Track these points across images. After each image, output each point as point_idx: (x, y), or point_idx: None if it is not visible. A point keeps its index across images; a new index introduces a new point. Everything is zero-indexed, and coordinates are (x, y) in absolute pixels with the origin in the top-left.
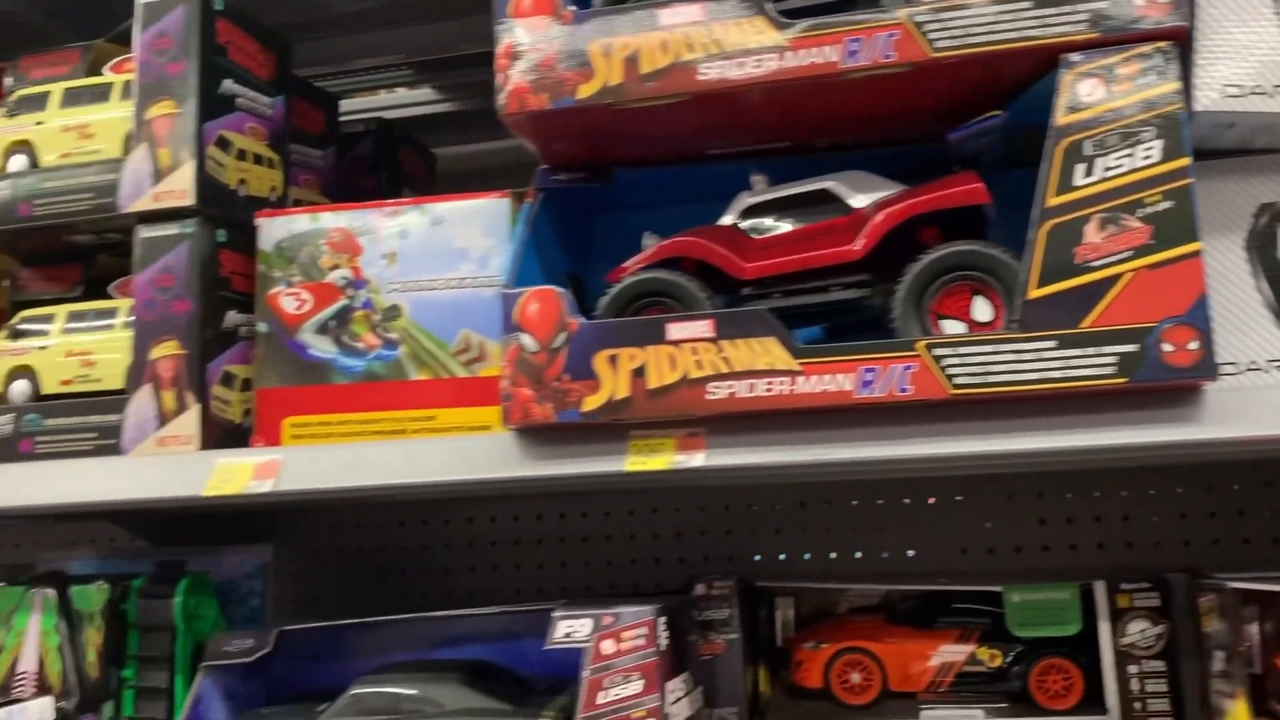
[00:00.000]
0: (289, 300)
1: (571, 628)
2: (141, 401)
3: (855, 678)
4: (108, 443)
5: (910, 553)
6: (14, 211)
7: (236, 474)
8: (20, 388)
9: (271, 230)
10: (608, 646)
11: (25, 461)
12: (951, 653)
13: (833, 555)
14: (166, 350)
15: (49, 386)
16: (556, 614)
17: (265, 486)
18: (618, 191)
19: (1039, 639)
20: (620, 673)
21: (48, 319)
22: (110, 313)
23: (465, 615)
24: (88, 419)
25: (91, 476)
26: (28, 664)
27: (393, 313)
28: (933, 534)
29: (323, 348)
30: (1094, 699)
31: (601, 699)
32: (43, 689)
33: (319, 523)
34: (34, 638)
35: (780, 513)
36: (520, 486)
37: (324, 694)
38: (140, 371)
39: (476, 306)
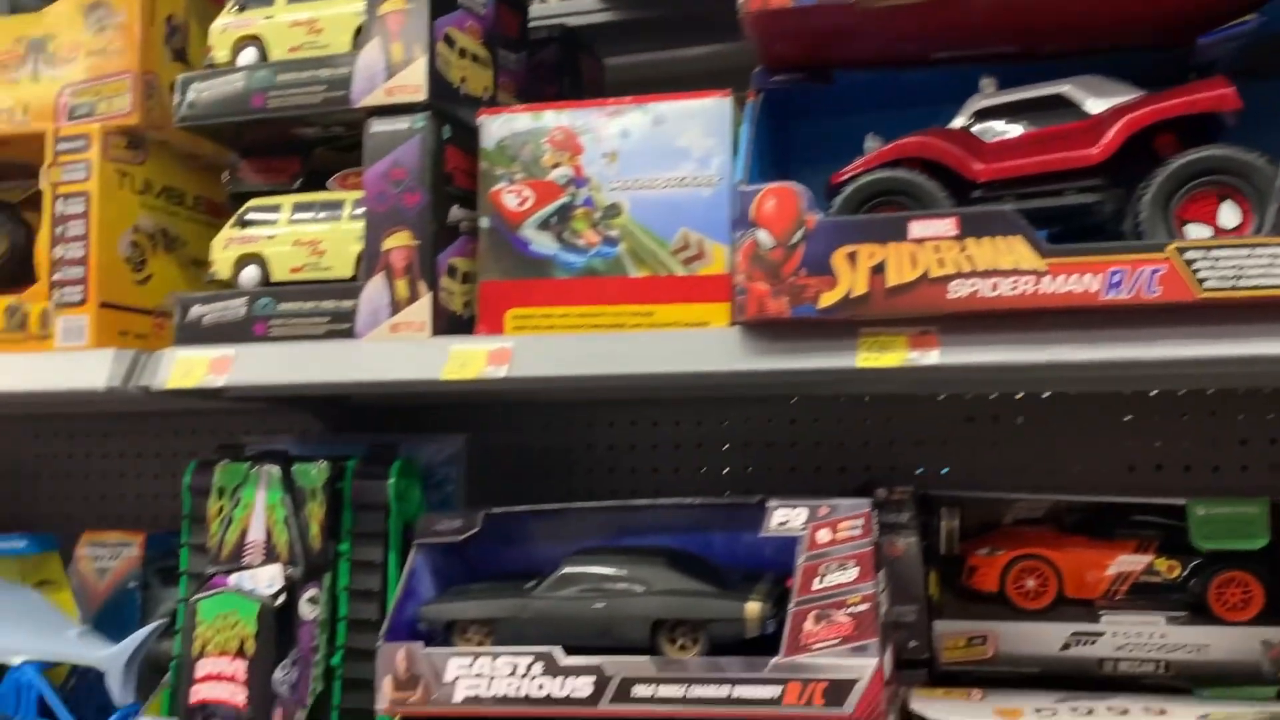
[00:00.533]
0: (511, 197)
1: (786, 517)
2: (374, 289)
3: (1030, 583)
4: (340, 327)
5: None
6: (248, 103)
7: (471, 360)
8: (250, 274)
9: (493, 128)
10: (823, 536)
11: (259, 343)
12: (1129, 562)
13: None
14: (399, 241)
15: (278, 273)
16: (771, 504)
17: (499, 372)
18: (833, 95)
19: (1217, 552)
20: (836, 560)
21: (275, 209)
22: (337, 205)
23: (658, 505)
24: (321, 304)
25: (330, 358)
26: (256, 534)
27: (613, 210)
28: (1099, 451)
29: (544, 244)
30: (1272, 611)
31: (817, 584)
32: (271, 557)
33: (483, 421)
34: (261, 510)
35: (946, 426)
36: (746, 381)
37: (522, 575)
38: (373, 261)
39: (696, 205)
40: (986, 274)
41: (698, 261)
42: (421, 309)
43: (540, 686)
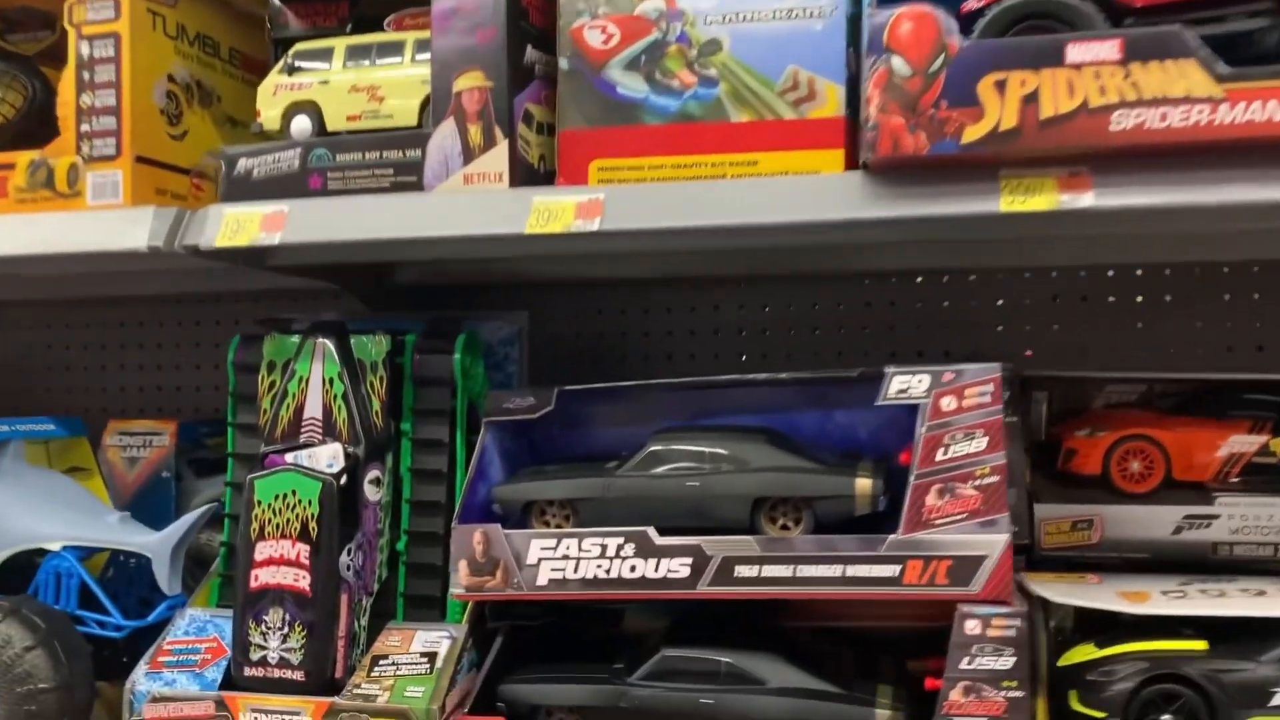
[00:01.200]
0: (594, 34)
1: (907, 384)
2: (444, 136)
3: (1136, 466)
4: (406, 180)
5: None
6: None
7: (558, 213)
8: (301, 124)
9: None
10: (948, 403)
11: (316, 198)
12: (1242, 443)
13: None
14: (471, 81)
15: (333, 123)
16: (890, 370)
17: (590, 226)
18: None
19: None
20: (962, 429)
21: (326, 53)
22: (396, 46)
23: (746, 382)
24: (384, 154)
25: (398, 212)
26: (313, 410)
27: (711, 47)
28: (1195, 332)
29: (633, 86)
30: None
31: (941, 455)
32: (330, 435)
33: (535, 304)
34: (318, 385)
35: (1031, 306)
36: (870, 231)
37: (598, 456)
38: (442, 105)
39: (806, 40)
40: (1154, 103)
41: (808, 103)
42: (498, 157)
43: (632, 568)
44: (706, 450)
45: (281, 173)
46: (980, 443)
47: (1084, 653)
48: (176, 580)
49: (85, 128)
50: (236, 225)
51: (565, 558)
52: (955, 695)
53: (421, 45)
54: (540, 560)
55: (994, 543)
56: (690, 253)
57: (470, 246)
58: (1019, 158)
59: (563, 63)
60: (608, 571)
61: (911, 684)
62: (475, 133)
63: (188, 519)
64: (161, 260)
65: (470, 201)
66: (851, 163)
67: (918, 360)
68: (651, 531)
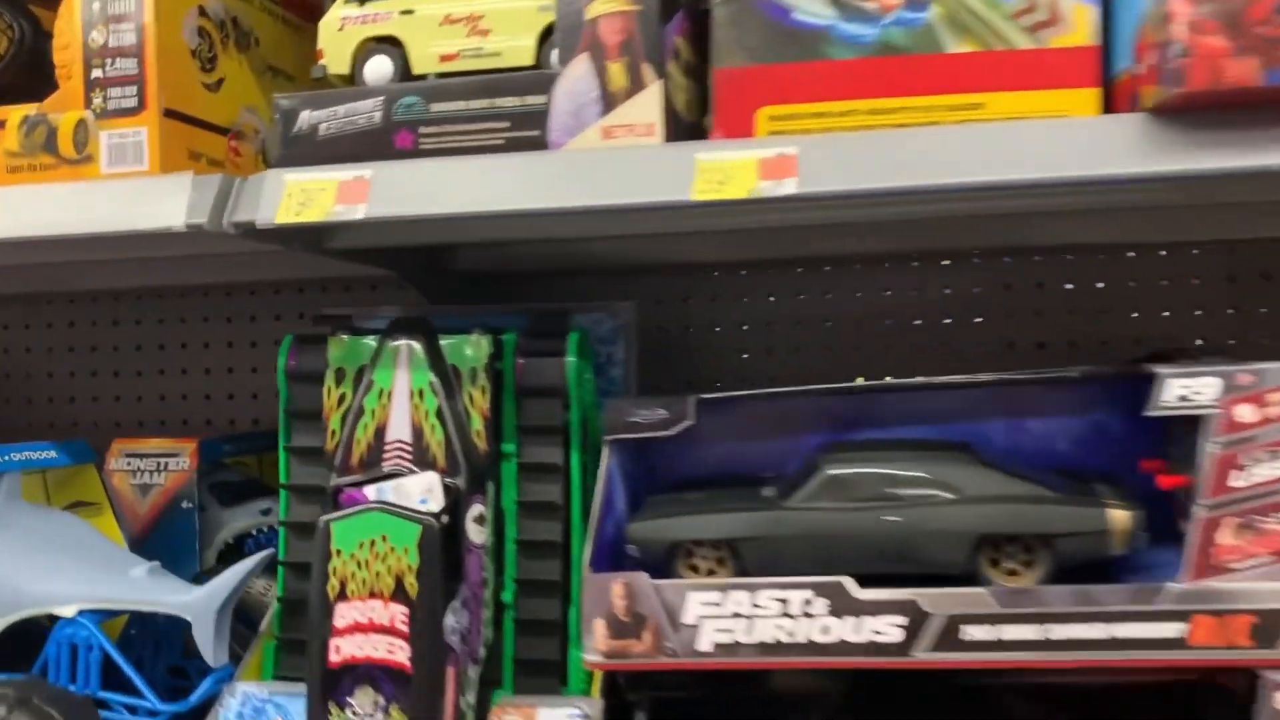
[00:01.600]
0: None
1: (1189, 388)
2: (576, 78)
3: None
4: (526, 134)
5: None
6: None
7: (734, 174)
8: (379, 66)
9: None
10: (1245, 413)
11: (407, 160)
12: None
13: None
14: (611, 5)
15: (422, 64)
16: (1164, 370)
17: (781, 188)
18: None
19: None
20: (1265, 448)
21: None
22: None
23: (916, 386)
24: (496, 103)
25: (520, 177)
26: (399, 431)
27: None
28: None
29: (814, 10)
30: None
31: (1237, 481)
32: (423, 462)
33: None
34: (404, 399)
35: (1195, 288)
36: (1139, 193)
37: (738, 478)
38: (572, 37)
39: None
40: None
41: (1049, 29)
42: (648, 103)
43: (825, 630)
44: (901, 473)
45: (358, 128)
46: None
47: None
48: (223, 648)
49: (97, 73)
50: (304, 197)
51: (735, 616)
52: None
53: None
54: (701, 619)
55: None
56: (800, 228)
57: (614, 220)
58: None
59: None
60: (791, 634)
61: None
62: (617, 72)
63: (236, 572)
64: (188, 243)
65: (617, 161)
66: (1106, 105)
67: (1067, 351)
68: (848, 582)
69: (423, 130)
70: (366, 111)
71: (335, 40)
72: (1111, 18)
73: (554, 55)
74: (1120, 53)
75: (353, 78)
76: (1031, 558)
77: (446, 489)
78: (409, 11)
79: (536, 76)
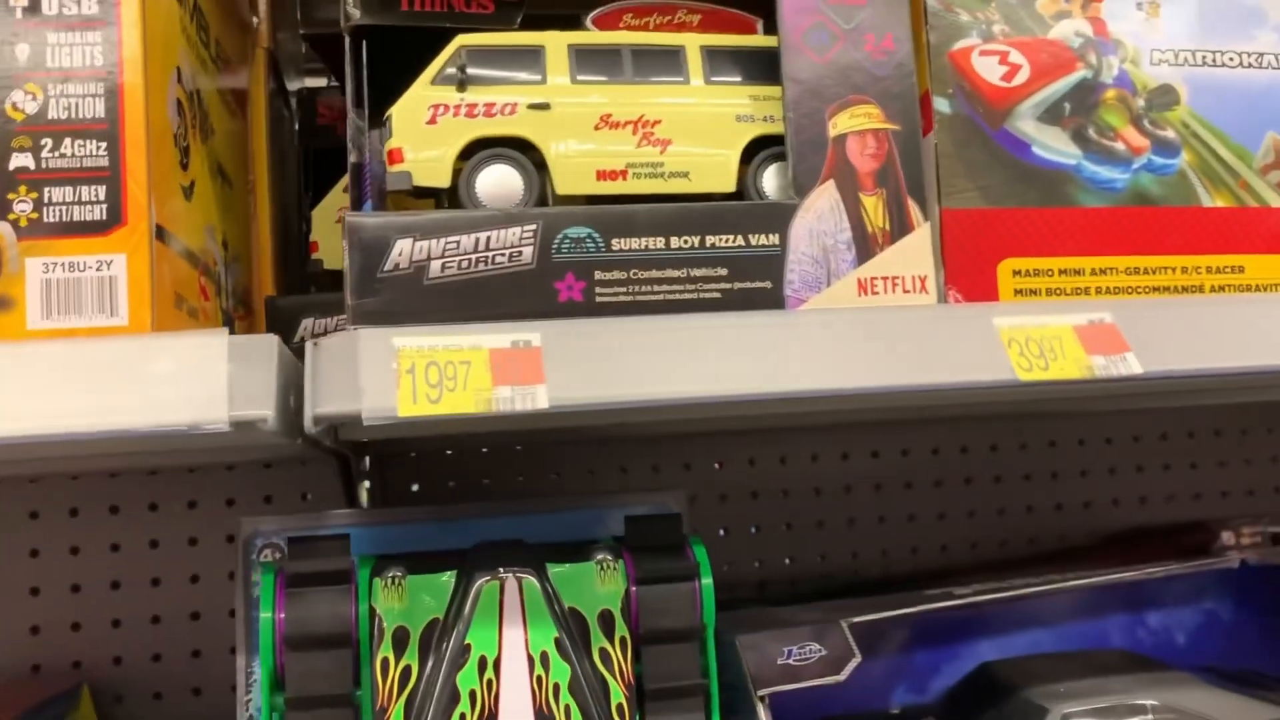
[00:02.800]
0: (990, 64)
1: None
2: (819, 214)
3: None
4: (751, 286)
5: None
6: None
7: (1053, 346)
8: (500, 179)
9: None
10: None
11: (578, 319)
12: None
13: None
14: (860, 121)
15: (570, 182)
16: None
17: (1122, 367)
18: None
19: None
20: None
21: (531, 56)
22: (670, 55)
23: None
24: (709, 242)
25: (756, 342)
26: (519, 712)
27: (1165, 96)
28: None
29: (1057, 147)
30: None
31: None
32: None
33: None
34: (521, 670)
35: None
36: None
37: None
38: (811, 158)
39: None
40: None
41: None
42: (918, 250)
43: None
44: (1140, 703)
45: (497, 270)
46: None
47: None
48: None
49: (23, 161)
50: (433, 373)
51: None
52: None
53: (715, 56)
54: None
55: None
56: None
57: (880, 400)
58: None
59: (941, 103)
60: None
61: None
62: (873, 207)
63: None
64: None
65: (892, 326)
66: None
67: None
68: None
69: (599, 276)
70: (509, 246)
71: (425, 138)
72: None
73: (765, 181)
74: None
75: (455, 193)
76: None
77: None
78: (542, 106)
79: (768, 209)
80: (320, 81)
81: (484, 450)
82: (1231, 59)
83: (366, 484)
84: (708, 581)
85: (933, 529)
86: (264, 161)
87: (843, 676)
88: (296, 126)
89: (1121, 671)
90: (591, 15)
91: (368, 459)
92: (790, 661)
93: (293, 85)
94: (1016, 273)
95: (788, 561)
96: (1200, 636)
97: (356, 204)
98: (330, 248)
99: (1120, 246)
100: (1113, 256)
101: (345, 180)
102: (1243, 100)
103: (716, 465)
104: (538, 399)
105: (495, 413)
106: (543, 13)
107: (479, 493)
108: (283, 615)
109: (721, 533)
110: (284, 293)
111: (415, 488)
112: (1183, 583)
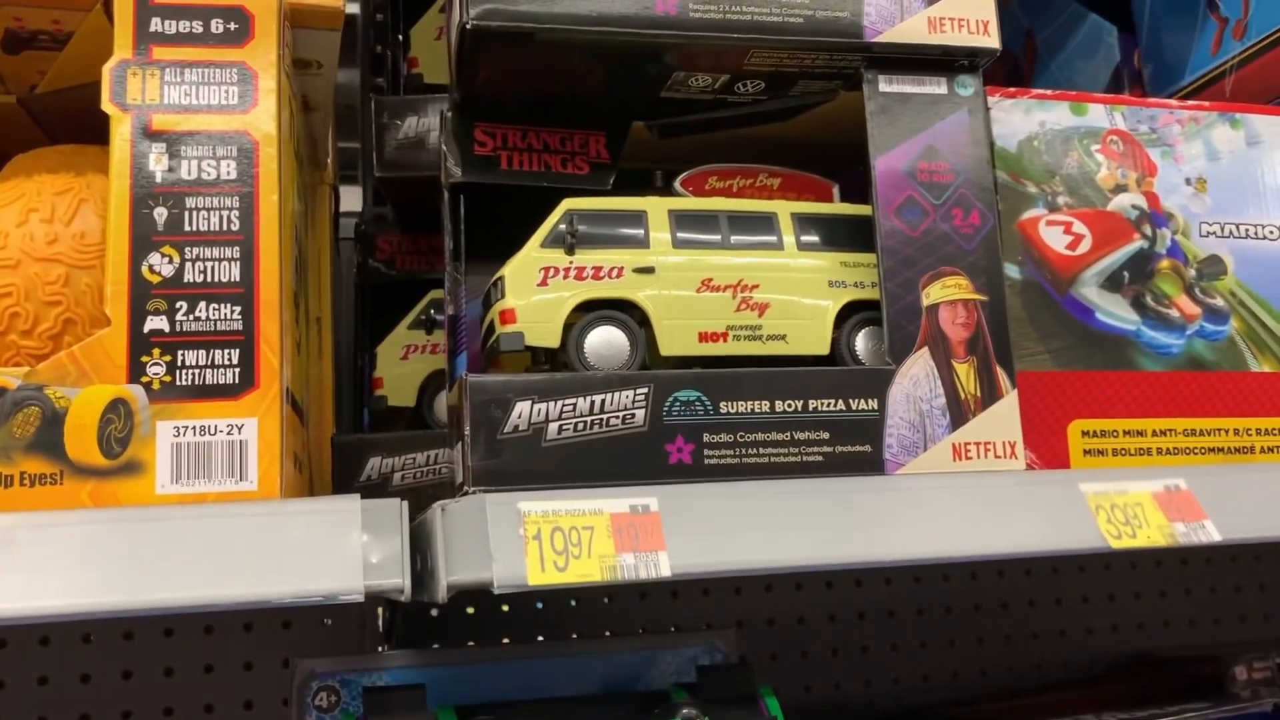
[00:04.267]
0: (1056, 233)
1: None
2: (914, 380)
3: None
4: (853, 450)
5: None
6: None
7: (1136, 513)
8: (605, 340)
9: (1013, 118)
10: None
11: (688, 483)
12: None
13: None
14: (951, 291)
15: (674, 343)
16: None
17: (1198, 534)
18: None
19: None
20: None
21: (637, 219)
22: (764, 221)
23: None
24: (812, 406)
25: (857, 509)
26: None
27: (1214, 267)
28: None
29: (1118, 314)
30: None
31: None
32: None
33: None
34: None
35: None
36: None
37: None
38: (906, 326)
39: None
40: None
41: None
42: (1007, 416)
43: None
44: None
45: (611, 431)
46: None
47: None
48: None
49: (158, 325)
50: (559, 540)
51: None
52: None
53: (805, 222)
54: None
55: None
56: None
57: (973, 565)
58: None
59: (1011, 269)
60: None
61: None
62: (966, 374)
63: None
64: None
65: (993, 493)
66: None
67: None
68: None
69: (707, 439)
70: (623, 409)
71: (537, 300)
72: None
73: (858, 344)
74: None
75: (577, 358)
76: None
77: None
78: (648, 270)
79: (866, 375)
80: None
81: None
82: (1272, 232)
83: (381, 609)
84: None
85: (946, 655)
86: (328, 298)
87: None
88: (356, 261)
89: None
90: (680, 178)
91: None
92: None
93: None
94: (1085, 433)
95: (836, 688)
96: None
97: (451, 355)
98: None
99: (1178, 409)
100: (1172, 419)
101: (411, 317)
102: (1275, 267)
103: (766, 588)
104: (660, 567)
105: (620, 581)
106: (622, 167)
107: (500, 616)
108: None
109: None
110: (342, 430)
111: (434, 612)
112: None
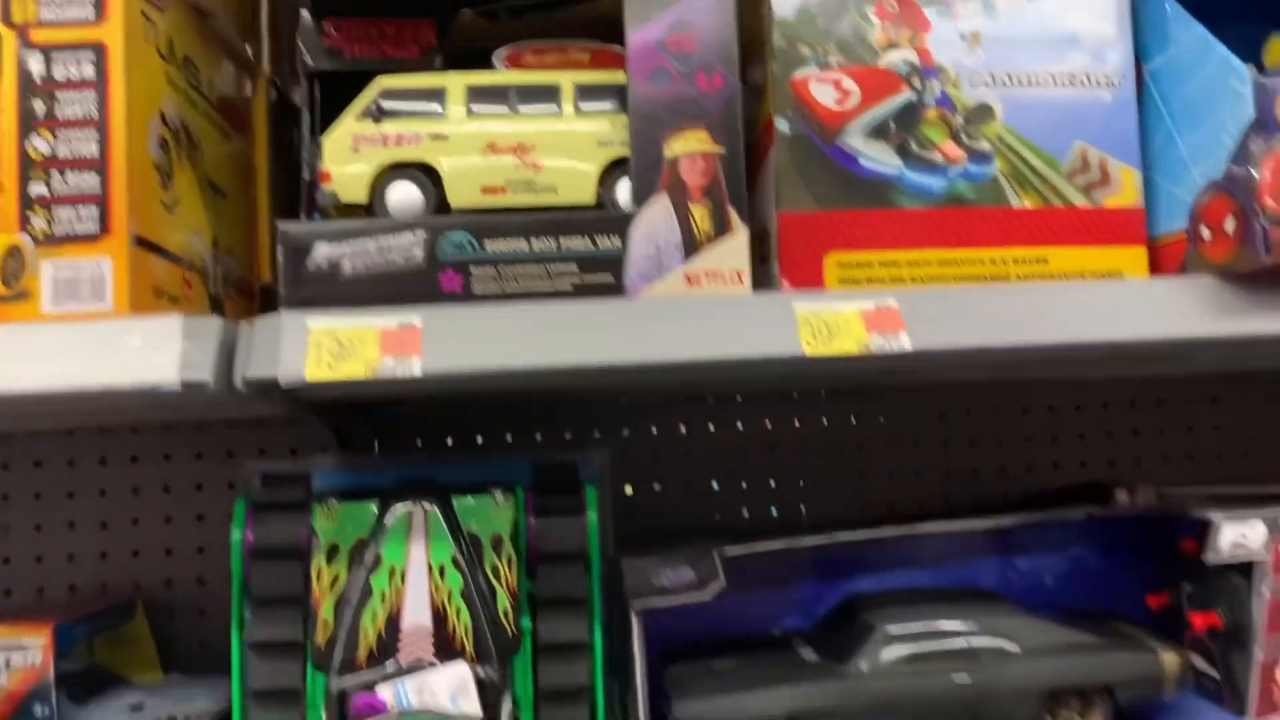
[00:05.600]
0: (825, 90)
1: (1242, 534)
2: (655, 220)
3: None
4: (597, 280)
5: None
6: None
7: (840, 327)
8: (406, 195)
9: None
10: None
11: (457, 305)
12: None
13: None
14: (693, 144)
15: (461, 196)
16: (1217, 516)
17: (893, 344)
18: None
19: None
20: None
21: (436, 95)
22: (549, 91)
23: (918, 533)
24: (564, 243)
25: (602, 328)
26: (418, 615)
27: (982, 114)
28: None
29: (882, 159)
30: None
31: None
32: (447, 651)
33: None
34: (422, 578)
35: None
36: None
37: (752, 638)
38: (649, 175)
39: (1093, 114)
40: None
41: (1101, 189)
42: (734, 249)
43: None
44: (956, 628)
45: (394, 267)
46: None
47: None
48: None
49: (39, 189)
50: (337, 347)
51: None
52: None
53: (586, 92)
54: None
55: None
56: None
57: (700, 373)
58: None
59: (781, 124)
60: None
61: None
62: (701, 215)
63: None
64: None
65: (710, 311)
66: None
67: (1026, 478)
68: None
69: (474, 271)
70: (405, 248)
71: (347, 161)
72: (1150, 184)
73: (618, 193)
74: (1161, 216)
75: (371, 207)
76: (1088, 707)
77: (480, 684)
78: (442, 136)
79: (613, 217)
80: None
81: (452, 414)
82: (1044, 80)
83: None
84: (593, 515)
85: (888, 489)
86: (264, 172)
87: (707, 596)
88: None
89: (961, 602)
90: (501, 53)
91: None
92: (664, 581)
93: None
94: (841, 264)
95: (717, 517)
96: (1066, 581)
97: (309, 215)
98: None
99: (934, 242)
100: (927, 250)
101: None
102: (1053, 115)
103: (654, 429)
104: (413, 368)
105: (378, 379)
106: (468, 46)
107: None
108: (255, 537)
109: (656, 487)
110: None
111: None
112: (1053, 532)
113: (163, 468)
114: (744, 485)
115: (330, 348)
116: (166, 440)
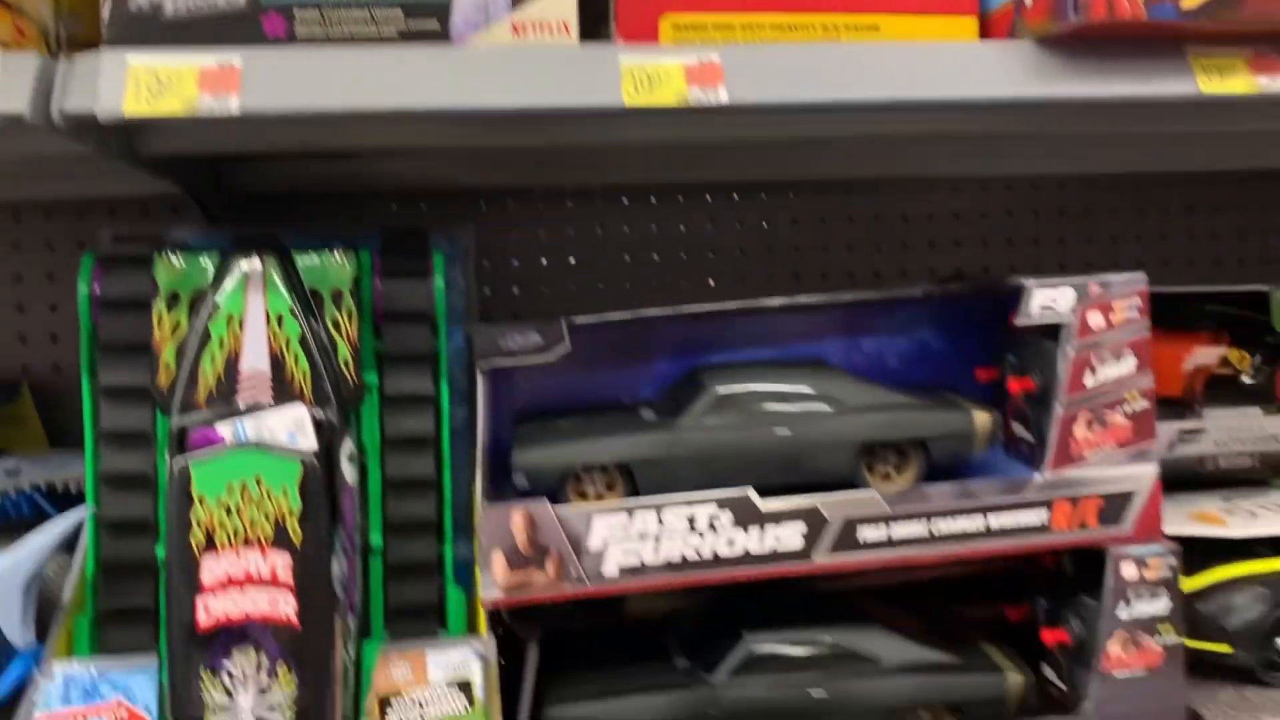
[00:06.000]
0: None
1: (1051, 299)
2: None
3: None
4: (423, 27)
5: None
6: None
7: (662, 79)
8: None
9: None
10: (1095, 320)
11: (279, 48)
12: (1205, 356)
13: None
14: None
15: None
16: (1030, 282)
17: (712, 97)
18: None
19: None
20: (1110, 350)
21: None
22: None
23: (766, 309)
24: None
25: (423, 73)
26: (257, 360)
27: None
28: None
29: None
30: None
31: (1090, 381)
32: (286, 396)
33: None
34: (259, 325)
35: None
36: (1024, 118)
37: (602, 401)
38: None
39: None
40: None
41: None
42: (561, 1)
43: (730, 542)
44: (785, 389)
45: (216, 10)
46: (1129, 364)
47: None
48: (29, 627)
49: None
50: (156, 84)
51: (642, 537)
52: (1114, 649)
53: None
54: (608, 544)
55: (1143, 476)
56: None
57: (524, 128)
58: (1199, 37)
59: None
60: (699, 550)
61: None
62: None
63: (42, 538)
64: None
65: (535, 60)
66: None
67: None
68: (753, 494)
69: (298, 15)
70: None
71: None
72: None
73: None
74: None
75: None
76: (904, 461)
77: (318, 425)
78: None
79: None
80: None
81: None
82: None
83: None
84: (439, 280)
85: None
86: None
87: (550, 357)
88: None
89: (792, 370)
90: None
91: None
92: (510, 344)
93: None
94: (677, 26)
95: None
96: (910, 361)
97: None
98: None
99: (767, 6)
100: (760, 15)
101: None
102: None
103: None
104: (231, 106)
105: (196, 115)
106: None
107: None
108: (100, 288)
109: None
110: None
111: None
112: (900, 314)
113: (46, 256)
114: (628, 286)
115: (149, 84)
116: (49, 227)
